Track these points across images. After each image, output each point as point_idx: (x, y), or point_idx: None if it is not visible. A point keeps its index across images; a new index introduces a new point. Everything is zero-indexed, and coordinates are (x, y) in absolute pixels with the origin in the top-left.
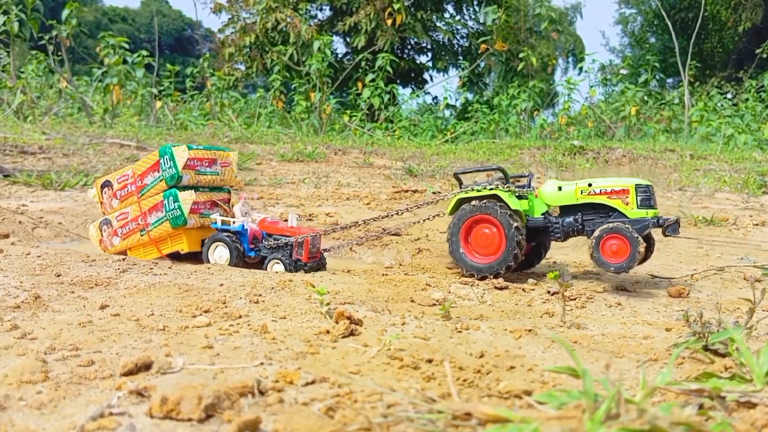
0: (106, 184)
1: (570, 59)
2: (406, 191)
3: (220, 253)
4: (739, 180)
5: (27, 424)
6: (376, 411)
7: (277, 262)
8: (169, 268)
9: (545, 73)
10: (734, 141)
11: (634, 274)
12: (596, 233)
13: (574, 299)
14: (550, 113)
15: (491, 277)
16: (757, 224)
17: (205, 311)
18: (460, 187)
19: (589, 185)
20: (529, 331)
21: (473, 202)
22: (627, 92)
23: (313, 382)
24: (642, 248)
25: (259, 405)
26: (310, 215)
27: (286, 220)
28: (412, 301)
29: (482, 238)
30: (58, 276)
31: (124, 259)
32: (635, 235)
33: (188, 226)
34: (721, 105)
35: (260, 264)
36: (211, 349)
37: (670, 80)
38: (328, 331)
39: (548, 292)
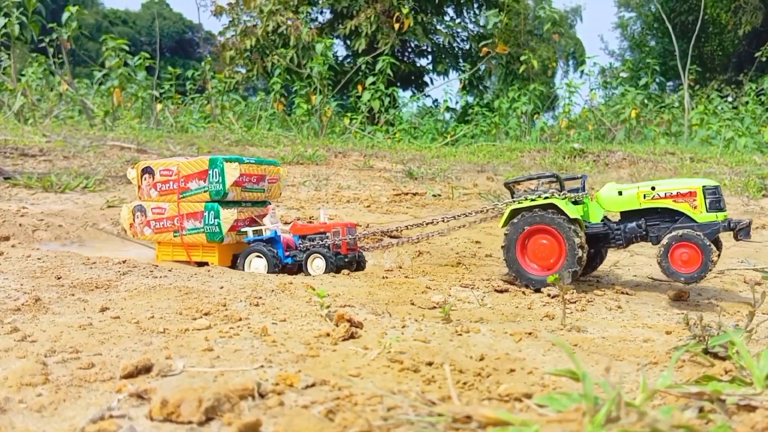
0: (148, 171)
1: (570, 62)
2: (407, 194)
3: (256, 265)
4: (739, 183)
5: (27, 426)
6: (377, 414)
7: (318, 257)
8: (169, 270)
9: (545, 76)
10: (734, 144)
11: (634, 277)
12: (664, 241)
13: (574, 302)
14: (550, 116)
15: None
16: (757, 227)
17: (206, 314)
18: (512, 197)
19: (653, 188)
20: (530, 334)
21: (529, 213)
22: (627, 95)
23: (313, 385)
24: (715, 257)
25: (259, 408)
26: (310, 218)
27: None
28: (413, 303)
29: (540, 250)
30: (59, 278)
31: (124, 262)
32: (707, 243)
33: (224, 243)
34: (721, 108)
35: (300, 270)
36: (211, 352)
37: (670, 83)
38: (328, 334)
39: (548, 295)
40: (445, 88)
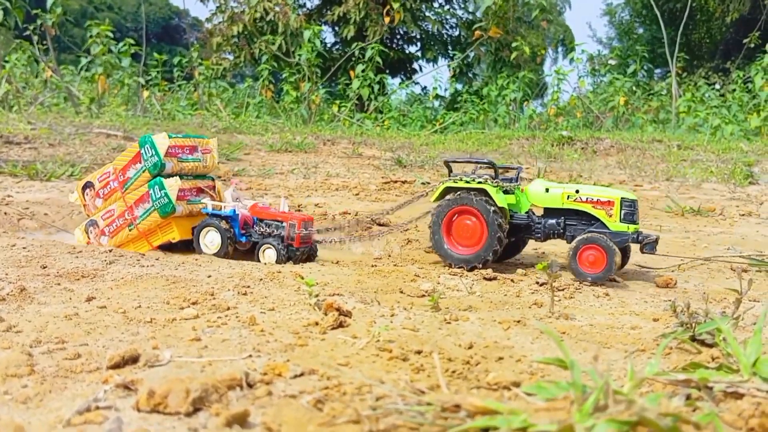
0: (88, 185)
1: (559, 49)
2: (396, 182)
3: (211, 238)
4: (725, 170)
5: (12, 418)
6: (365, 403)
7: (269, 247)
8: (156, 259)
9: (534, 64)
10: (721, 131)
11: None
12: (573, 243)
13: (563, 290)
14: (539, 104)
15: (467, 269)
16: (743, 214)
17: (193, 303)
18: (449, 175)
19: (577, 191)
20: (518, 322)
21: (459, 193)
22: (615, 83)
23: (301, 375)
24: (618, 259)
25: (247, 398)
26: (299, 206)
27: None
28: (401, 292)
29: (464, 229)
30: (44, 268)
31: (110, 251)
32: (612, 246)
33: (177, 214)
34: (709, 96)
35: (251, 251)
36: (198, 342)
37: (657, 71)
38: (316, 323)
39: (537, 282)
40: (435, 76)
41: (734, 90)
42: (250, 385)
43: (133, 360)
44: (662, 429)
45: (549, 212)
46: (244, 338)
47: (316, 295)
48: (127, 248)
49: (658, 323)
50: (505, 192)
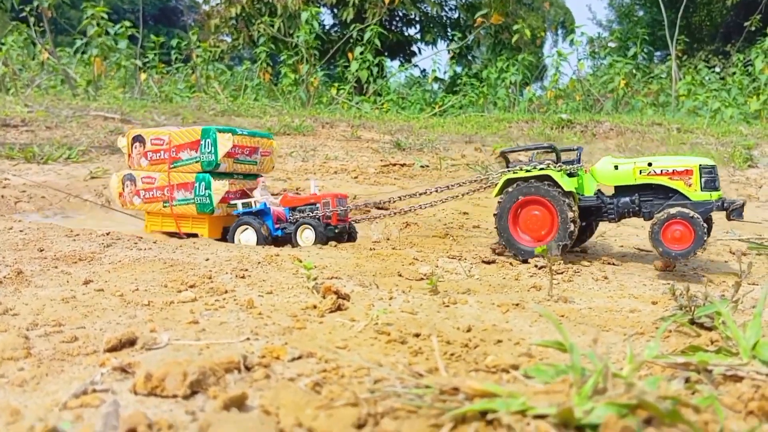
0: (139, 139)
1: (559, 32)
2: (394, 165)
3: (247, 237)
4: (725, 153)
5: (8, 401)
6: (363, 386)
7: (308, 228)
8: (154, 242)
9: (534, 46)
10: (721, 115)
11: (621, 248)
12: (656, 219)
13: (561, 273)
14: (538, 86)
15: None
16: (742, 198)
17: (191, 286)
18: (507, 167)
19: (649, 164)
20: (517, 305)
21: (524, 182)
22: (615, 65)
23: (299, 358)
24: (705, 230)
25: (245, 381)
26: (297, 189)
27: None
28: (400, 275)
29: (532, 221)
30: (41, 251)
31: (108, 234)
32: (699, 219)
33: (214, 215)
34: (709, 79)
35: (290, 242)
36: (196, 325)
37: (657, 54)
38: (315, 306)
39: (535, 266)
40: (434, 58)
41: (734, 73)
42: (248, 368)
43: (131, 343)
44: (661, 412)
45: (620, 190)
46: (242, 321)
47: (315, 278)
48: (154, 219)
49: (657, 306)
50: (570, 175)
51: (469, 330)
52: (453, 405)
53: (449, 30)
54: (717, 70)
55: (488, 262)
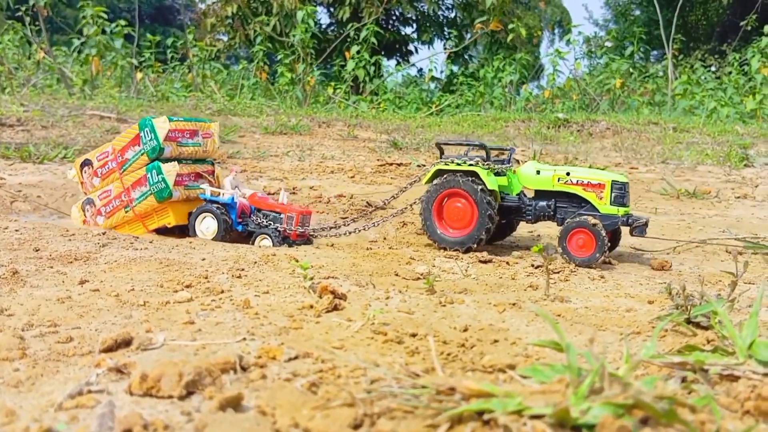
0: (86, 163)
1: (556, 31)
2: (391, 164)
3: (207, 224)
4: (721, 153)
5: (4, 401)
6: (360, 386)
7: (265, 237)
8: (150, 242)
9: (531, 45)
10: (717, 114)
11: (617, 247)
12: (563, 227)
13: (558, 273)
14: (535, 86)
15: (461, 251)
16: (738, 197)
17: (187, 286)
18: (440, 157)
19: (567, 174)
20: (513, 304)
21: (449, 176)
22: (611, 65)
23: (296, 358)
24: (607, 241)
25: (241, 381)
26: (294, 188)
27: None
28: (397, 275)
29: (454, 212)
30: (37, 251)
31: (104, 234)
32: (601, 230)
33: (174, 199)
34: (705, 78)
35: (247, 239)
36: (192, 325)
37: (654, 53)
38: (311, 306)
39: (532, 265)
40: (431, 58)
41: (730, 72)
42: (244, 369)
43: (126, 343)
44: (658, 412)
45: (540, 194)
46: (238, 321)
47: (311, 278)
48: (122, 230)
49: (653, 306)
50: (497, 174)
51: (465, 330)
52: (449, 405)
53: (446, 29)
54: (713, 69)
55: (485, 262)
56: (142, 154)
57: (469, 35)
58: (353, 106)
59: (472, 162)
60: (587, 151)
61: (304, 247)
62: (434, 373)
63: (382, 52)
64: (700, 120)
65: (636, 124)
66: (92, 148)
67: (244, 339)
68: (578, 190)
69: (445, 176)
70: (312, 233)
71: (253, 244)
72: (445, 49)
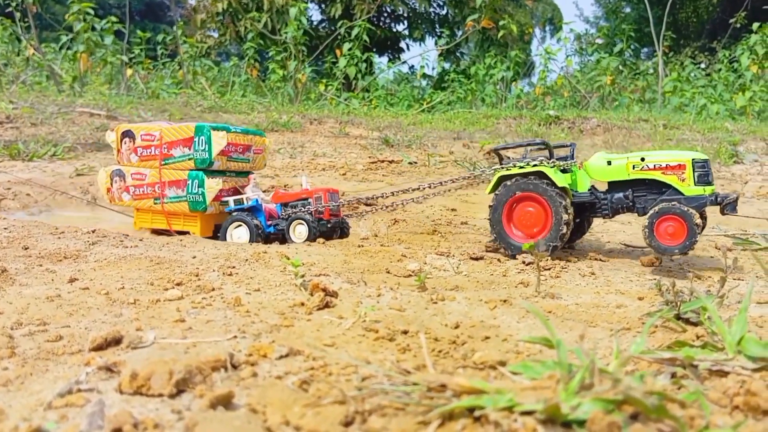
0: (128, 134)
1: (547, 28)
2: (383, 161)
3: (239, 234)
4: (711, 150)
5: None
6: (351, 384)
7: (301, 223)
8: (140, 240)
9: (522, 43)
10: (707, 111)
11: (608, 244)
12: (647, 219)
13: (549, 269)
14: (526, 83)
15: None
16: (735, 192)
17: (178, 284)
18: (500, 164)
19: (642, 159)
20: (504, 301)
21: (515, 179)
22: (602, 62)
23: (287, 355)
24: (699, 223)
25: (232, 379)
26: (285, 186)
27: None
28: (388, 272)
29: (526, 217)
30: (26, 249)
31: (93, 232)
32: (690, 212)
33: (207, 212)
34: (695, 75)
35: (284, 240)
36: (183, 323)
37: (644, 50)
38: (302, 304)
39: (523, 262)
40: (423, 55)
41: (720, 70)
42: (234, 367)
43: (116, 342)
44: (648, 407)
45: (614, 186)
46: (229, 319)
47: (302, 276)
48: (144, 216)
49: (643, 302)
50: (563, 171)
51: (456, 327)
52: (440, 402)
53: (437, 26)
54: (703, 66)
55: (476, 259)
56: (189, 159)
57: (460, 32)
58: (345, 103)
59: (535, 162)
60: (578, 147)
61: (296, 245)
62: (425, 370)
63: (374, 50)
64: (690, 117)
65: (626, 121)
66: (82, 146)
67: (235, 337)
68: (657, 175)
69: (513, 179)
70: (345, 216)
71: (289, 237)
72: (436, 45)
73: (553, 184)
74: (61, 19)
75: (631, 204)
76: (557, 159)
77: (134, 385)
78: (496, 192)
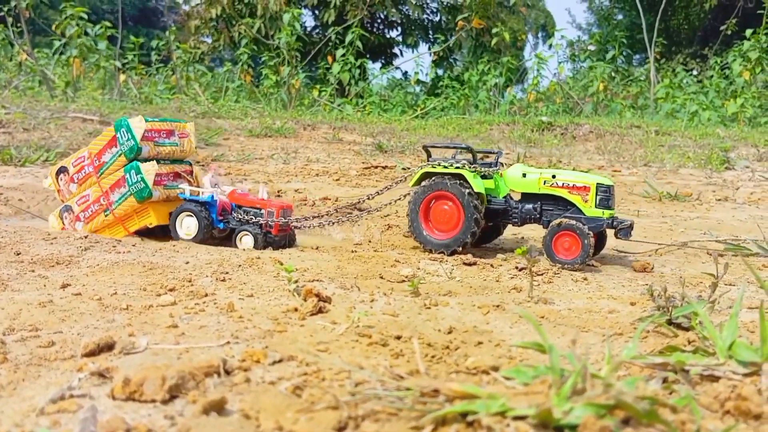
0: (62, 170)
1: (540, 35)
2: (376, 167)
3: (188, 224)
4: (702, 156)
5: None
6: (344, 389)
7: (246, 234)
8: (133, 245)
9: (515, 49)
10: (698, 117)
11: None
12: (548, 231)
13: (542, 275)
14: (519, 89)
15: (447, 253)
16: (719, 199)
17: (170, 290)
18: (428, 160)
19: (553, 176)
20: (497, 306)
21: (436, 178)
22: (594, 68)
23: (280, 361)
24: (592, 243)
25: (225, 385)
26: (278, 191)
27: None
28: (381, 277)
29: (441, 215)
30: (18, 254)
31: (86, 237)
32: (586, 232)
33: (154, 199)
34: (686, 82)
35: (228, 238)
36: (175, 329)
37: (636, 57)
38: (296, 309)
39: (516, 267)
40: (417, 61)
41: (712, 76)
42: (227, 372)
43: (109, 347)
44: (639, 412)
45: (526, 197)
46: (222, 325)
47: (296, 281)
48: (103, 234)
49: (635, 307)
50: (484, 177)
51: (450, 332)
52: (433, 407)
53: (431, 33)
54: (695, 73)
55: (469, 264)
56: (119, 155)
57: (453, 38)
58: (338, 108)
59: (459, 165)
60: (571, 154)
61: (289, 250)
62: (419, 375)
63: (368, 55)
64: (681, 123)
65: (619, 128)
66: (75, 151)
67: (228, 342)
68: (564, 193)
69: (432, 178)
70: (295, 225)
71: (234, 242)
72: (429, 51)
73: (470, 187)
74: (53, 24)
75: (538, 216)
76: (483, 164)
77: (127, 391)
78: (416, 188)
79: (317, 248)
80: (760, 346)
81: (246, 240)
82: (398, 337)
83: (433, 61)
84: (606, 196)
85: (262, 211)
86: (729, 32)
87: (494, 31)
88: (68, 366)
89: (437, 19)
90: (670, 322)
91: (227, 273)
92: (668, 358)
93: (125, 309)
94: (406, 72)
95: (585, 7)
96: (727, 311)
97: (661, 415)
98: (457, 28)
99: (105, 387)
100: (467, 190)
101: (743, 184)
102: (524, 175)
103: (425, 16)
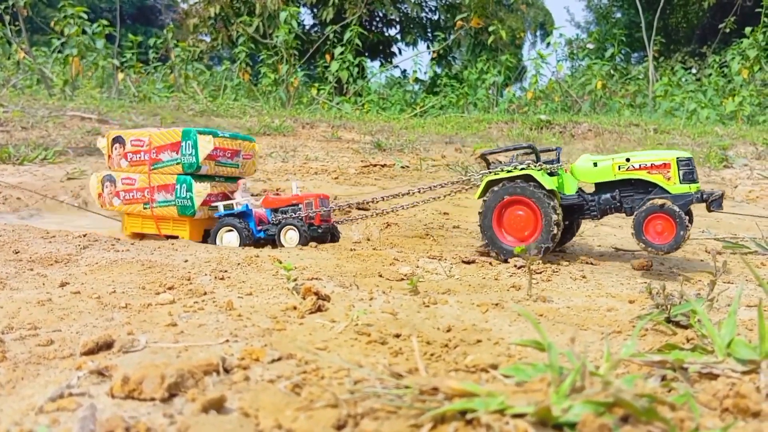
0: (119, 140)
1: (538, 33)
2: (375, 165)
3: (228, 239)
4: (701, 154)
5: None
6: (343, 387)
7: (291, 229)
8: (132, 244)
9: (514, 47)
10: (697, 116)
11: (599, 247)
12: (645, 208)
13: (540, 273)
14: (518, 87)
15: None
16: (720, 189)
17: (169, 288)
18: (488, 168)
19: (627, 160)
20: (496, 305)
21: (503, 184)
22: (593, 67)
23: (279, 359)
24: (688, 235)
25: (224, 383)
26: (277, 190)
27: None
28: (380, 275)
29: (516, 221)
30: (17, 253)
31: (84, 236)
32: (686, 224)
33: (196, 217)
34: (685, 80)
35: (274, 245)
36: (174, 327)
37: (635, 55)
38: (295, 307)
39: (515, 266)
40: (416, 59)
41: (710, 74)
42: (227, 371)
43: (108, 346)
44: (638, 410)
45: (601, 187)
46: (221, 323)
47: (295, 280)
48: (134, 220)
49: (634, 305)
50: (550, 174)
51: (449, 330)
52: (432, 405)
53: (429, 31)
54: (693, 71)
55: (468, 262)
56: (177, 164)
57: (452, 37)
58: (337, 107)
59: (523, 166)
60: (569, 152)
61: (288, 249)
62: (418, 373)
63: (366, 54)
64: (680, 121)
65: (617, 126)
66: (73, 150)
67: (227, 341)
68: (643, 175)
69: (501, 183)
70: (336, 221)
71: (278, 240)
72: (428, 49)
73: (540, 186)
74: (51, 23)
75: (618, 204)
76: (544, 162)
77: (126, 390)
78: (485, 197)
79: (316, 246)
80: (758, 343)
81: (291, 234)
82: (397, 336)
83: (432, 59)
84: (689, 169)
85: (300, 205)
86: (727, 30)
87: (491, 29)
88: (67, 364)
89: (436, 17)
90: (668, 320)
91: (226, 271)
92: (667, 356)
93: (124, 307)
94: (404, 70)
95: (584, 5)
96: (725, 309)
97: (660, 413)
98: (455, 28)
99: (104, 385)
100: (542, 192)
101: (742, 182)
102: (595, 165)
103: (424, 14)
